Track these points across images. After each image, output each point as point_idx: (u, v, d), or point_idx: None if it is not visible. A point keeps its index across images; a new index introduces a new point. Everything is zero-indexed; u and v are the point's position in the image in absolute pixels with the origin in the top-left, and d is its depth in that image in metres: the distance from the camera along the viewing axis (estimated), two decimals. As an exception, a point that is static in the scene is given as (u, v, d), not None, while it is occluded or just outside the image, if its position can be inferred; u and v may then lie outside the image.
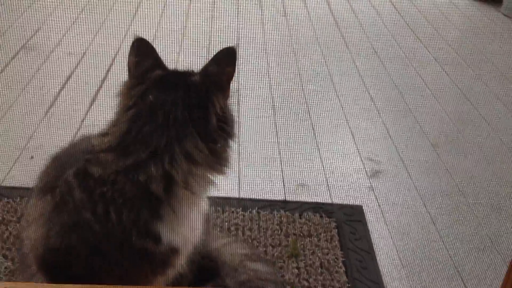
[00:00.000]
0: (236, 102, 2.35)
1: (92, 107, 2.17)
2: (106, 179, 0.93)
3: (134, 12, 3.04)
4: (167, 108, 0.95)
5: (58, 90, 2.26)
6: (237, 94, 2.39)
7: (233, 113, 1.06)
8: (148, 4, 3.22)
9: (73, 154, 1.04)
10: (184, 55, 2.53)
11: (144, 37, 1.02)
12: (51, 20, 2.90)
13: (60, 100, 2.21)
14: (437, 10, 3.52)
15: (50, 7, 2.98)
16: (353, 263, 1.53)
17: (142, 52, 1.01)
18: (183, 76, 1.01)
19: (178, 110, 0.95)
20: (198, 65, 1.03)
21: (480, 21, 3.44)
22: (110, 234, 0.93)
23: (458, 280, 1.51)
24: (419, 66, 2.78)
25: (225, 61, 1.00)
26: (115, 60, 2.49)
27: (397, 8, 3.52)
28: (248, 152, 1.98)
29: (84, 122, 2.06)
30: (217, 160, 1.00)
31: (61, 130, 2.01)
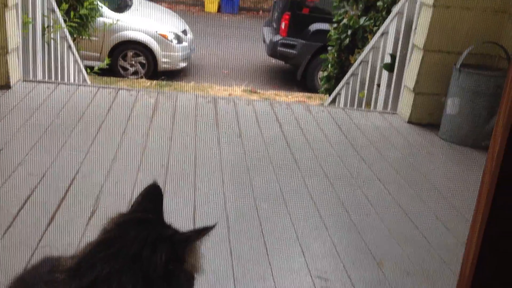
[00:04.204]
0: (192, 219, 2.45)
1: (49, 227, 2.21)
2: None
3: (95, 134, 3.18)
4: (124, 243, 1.03)
5: (17, 211, 2.31)
6: (193, 211, 2.49)
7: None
8: (109, 126, 3.38)
9: (34, 275, 1.10)
10: (142, 173, 2.64)
11: (160, 186, 1.09)
12: (14, 140, 3.01)
13: (18, 220, 2.25)
14: (379, 133, 3.82)
15: (13, 129, 3.10)
16: None
17: (148, 197, 1.09)
18: (154, 224, 1.07)
19: (131, 247, 1.01)
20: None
21: (419, 143, 3.74)
22: None
23: None
24: (363, 185, 2.98)
25: (200, 235, 1.04)
26: (74, 181, 2.57)
27: (342, 130, 3.81)
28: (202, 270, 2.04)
29: (41, 243, 2.10)
30: None
31: (18, 250, 2.04)
